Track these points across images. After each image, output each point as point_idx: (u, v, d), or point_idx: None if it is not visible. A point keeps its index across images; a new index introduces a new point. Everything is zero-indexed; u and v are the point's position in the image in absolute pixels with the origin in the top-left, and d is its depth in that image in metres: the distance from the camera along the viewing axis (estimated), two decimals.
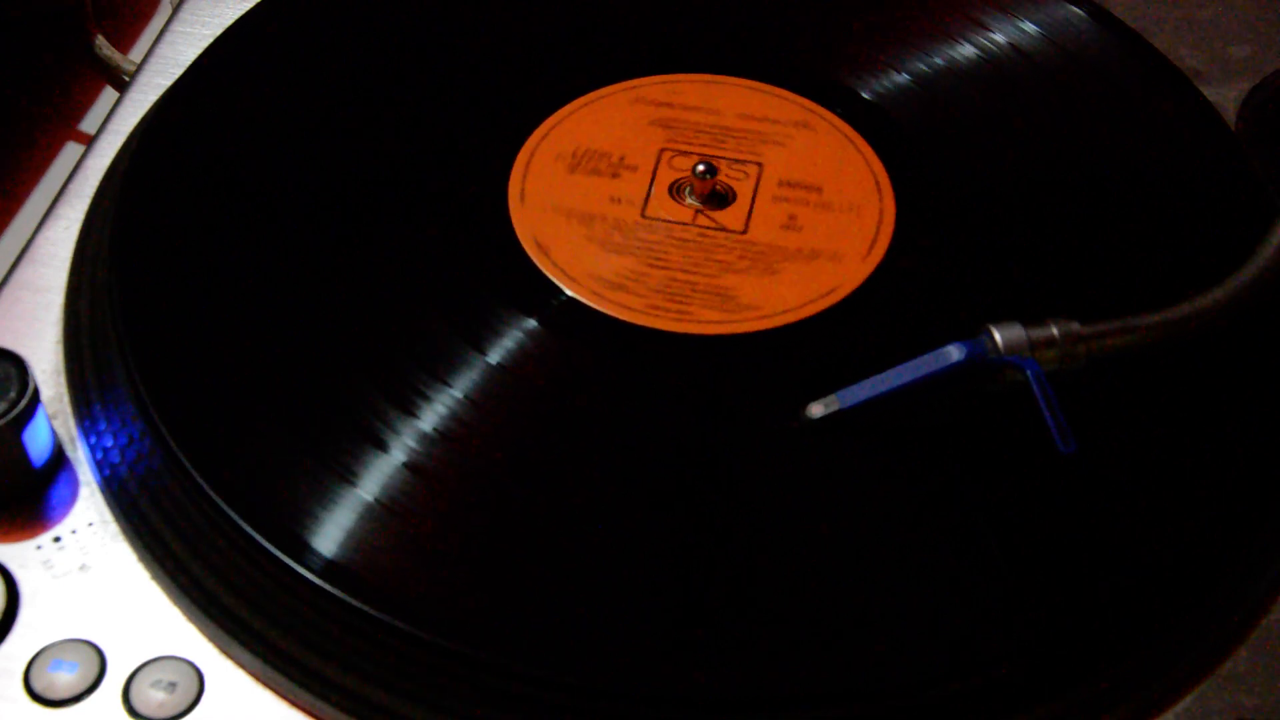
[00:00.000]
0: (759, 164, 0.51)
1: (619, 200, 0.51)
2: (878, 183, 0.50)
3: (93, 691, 0.40)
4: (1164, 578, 0.42)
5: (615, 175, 0.51)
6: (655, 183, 0.51)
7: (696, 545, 0.42)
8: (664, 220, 0.50)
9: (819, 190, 0.50)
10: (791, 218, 0.50)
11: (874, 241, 0.49)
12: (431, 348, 0.46)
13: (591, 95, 0.54)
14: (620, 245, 0.49)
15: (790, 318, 0.47)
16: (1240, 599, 0.43)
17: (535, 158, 0.52)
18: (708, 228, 0.50)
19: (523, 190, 0.51)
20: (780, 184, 0.51)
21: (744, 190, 0.51)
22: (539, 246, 0.49)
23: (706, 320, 0.47)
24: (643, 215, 0.50)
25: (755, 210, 0.50)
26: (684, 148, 0.52)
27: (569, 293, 0.47)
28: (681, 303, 0.47)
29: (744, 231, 0.49)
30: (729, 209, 0.50)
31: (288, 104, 0.53)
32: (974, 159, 0.53)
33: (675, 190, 0.51)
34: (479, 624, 0.40)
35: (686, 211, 0.50)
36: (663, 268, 0.49)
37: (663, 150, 0.52)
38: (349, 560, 0.41)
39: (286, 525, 0.41)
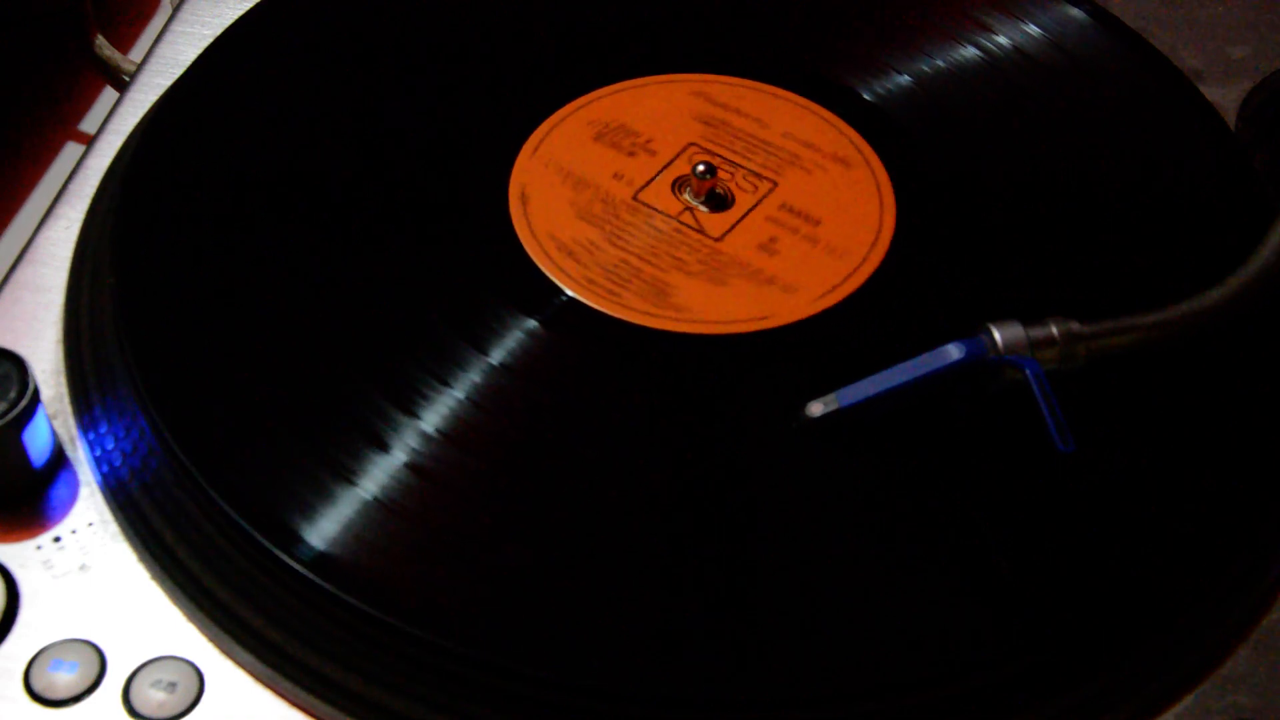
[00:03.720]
0: (774, 183, 0.51)
1: (620, 177, 0.51)
2: (879, 229, 0.50)
3: (93, 691, 0.40)
4: (1164, 577, 0.42)
5: (631, 154, 0.52)
6: (665, 172, 0.51)
7: (697, 545, 0.42)
8: (650, 207, 0.50)
9: (816, 224, 0.50)
10: (773, 240, 0.49)
11: (836, 287, 0.48)
12: (427, 343, 0.46)
13: (659, 78, 0.54)
14: (594, 217, 0.50)
15: (701, 328, 0.47)
16: (1240, 599, 0.43)
17: (568, 121, 0.53)
18: (688, 226, 0.50)
19: (538, 145, 0.52)
20: (782, 207, 0.50)
21: (744, 202, 0.51)
22: (522, 196, 0.50)
23: (632, 308, 0.47)
24: (634, 197, 0.51)
25: (742, 223, 0.50)
26: (711, 147, 0.52)
27: (529, 254, 0.48)
28: (618, 285, 0.48)
29: (718, 239, 0.49)
30: (720, 214, 0.50)
31: (288, 104, 0.53)
32: (973, 157, 0.53)
33: (678, 184, 0.51)
34: (479, 624, 0.40)
35: (677, 205, 0.50)
36: (620, 248, 0.49)
37: (690, 145, 0.52)
38: (349, 560, 0.41)
39: (286, 525, 0.41)
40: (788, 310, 0.47)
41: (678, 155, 0.52)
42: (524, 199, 0.50)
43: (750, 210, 0.50)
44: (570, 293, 0.47)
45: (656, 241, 0.49)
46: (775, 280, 0.48)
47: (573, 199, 0.50)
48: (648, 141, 0.52)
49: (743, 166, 0.51)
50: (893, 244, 0.49)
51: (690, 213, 0.50)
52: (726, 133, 0.53)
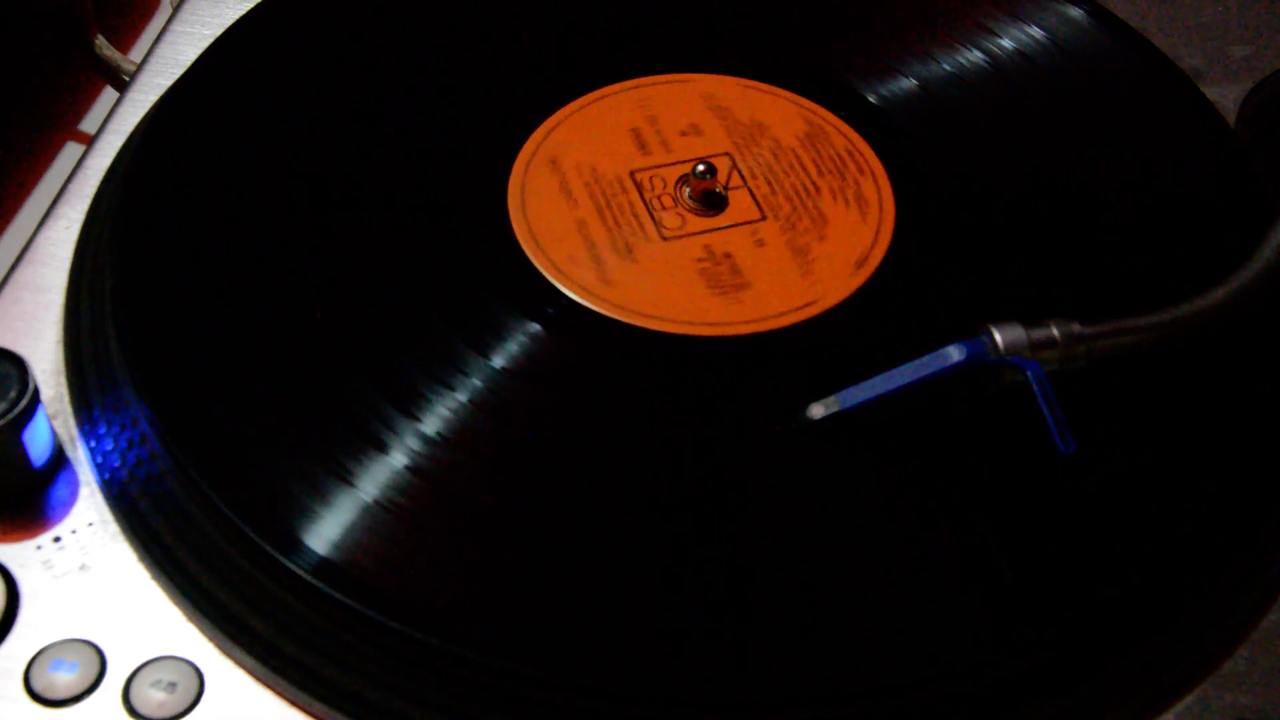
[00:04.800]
0: (779, 208, 0.51)
1: (632, 159, 0.52)
2: (879, 229, 0.50)
3: (93, 691, 0.40)
4: (1164, 578, 0.42)
5: (647, 148, 0.52)
6: (678, 166, 0.52)
7: (697, 545, 0.42)
8: (641, 191, 0.51)
9: (803, 256, 0.49)
10: (727, 255, 0.49)
11: (767, 319, 0.48)
12: (426, 344, 0.46)
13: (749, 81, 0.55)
14: (583, 190, 0.50)
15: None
16: (1240, 599, 0.43)
17: (607, 100, 0.53)
18: (665, 220, 0.50)
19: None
20: (776, 229, 0.50)
21: (739, 212, 0.50)
22: (531, 156, 0.51)
23: (567, 279, 0.48)
24: (631, 175, 0.51)
25: (728, 231, 0.50)
26: (736, 157, 0.52)
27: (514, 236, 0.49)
28: (568, 257, 0.48)
29: (678, 241, 0.50)
30: (710, 216, 0.50)
31: (288, 104, 0.53)
32: (973, 158, 0.53)
33: (682, 179, 0.51)
34: (479, 625, 0.40)
35: (668, 198, 0.50)
36: (594, 221, 0.49)
37: (725, 153, 0.52)
38: (348, 561, 0.41)
39: (286, 525, 0.41)
40: (717, 321, 0.47)
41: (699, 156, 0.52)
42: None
43: (739, 223, 0.50)
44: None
45: (626, 222, 0.50)
46: (736, 289, 0.48)
47: (568, 182, 0.51)
48: (664, 134, 0.53)
49: (752, 189, 0.51)
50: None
51: (681, 209, 0.50)
52: (765, 150, 0.52)
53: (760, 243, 0.49)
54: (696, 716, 0.40)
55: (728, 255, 0.49)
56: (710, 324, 0.47)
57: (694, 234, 0.50)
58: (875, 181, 0.52)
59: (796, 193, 0.51)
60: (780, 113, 0.54)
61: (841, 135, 0.52)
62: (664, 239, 0.50)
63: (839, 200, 0.50)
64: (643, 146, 0.52)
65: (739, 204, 0.51)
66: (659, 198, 0.51)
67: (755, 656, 0.40)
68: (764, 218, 0.50)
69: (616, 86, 0.54)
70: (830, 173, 0.51)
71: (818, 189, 0.51)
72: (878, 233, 0.50)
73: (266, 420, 0.44)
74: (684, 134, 0.53)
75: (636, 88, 0.55)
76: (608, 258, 0.49)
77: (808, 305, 0.47)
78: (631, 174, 0.51)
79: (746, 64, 0.55)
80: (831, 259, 0.49)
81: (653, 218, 0.50)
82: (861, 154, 0.51)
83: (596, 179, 0.51)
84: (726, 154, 0.52)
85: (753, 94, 0.54)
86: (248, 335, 0.46)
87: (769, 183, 0.51)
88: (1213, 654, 0.42)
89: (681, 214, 0.50)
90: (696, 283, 0.48)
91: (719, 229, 0.50)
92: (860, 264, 0.49)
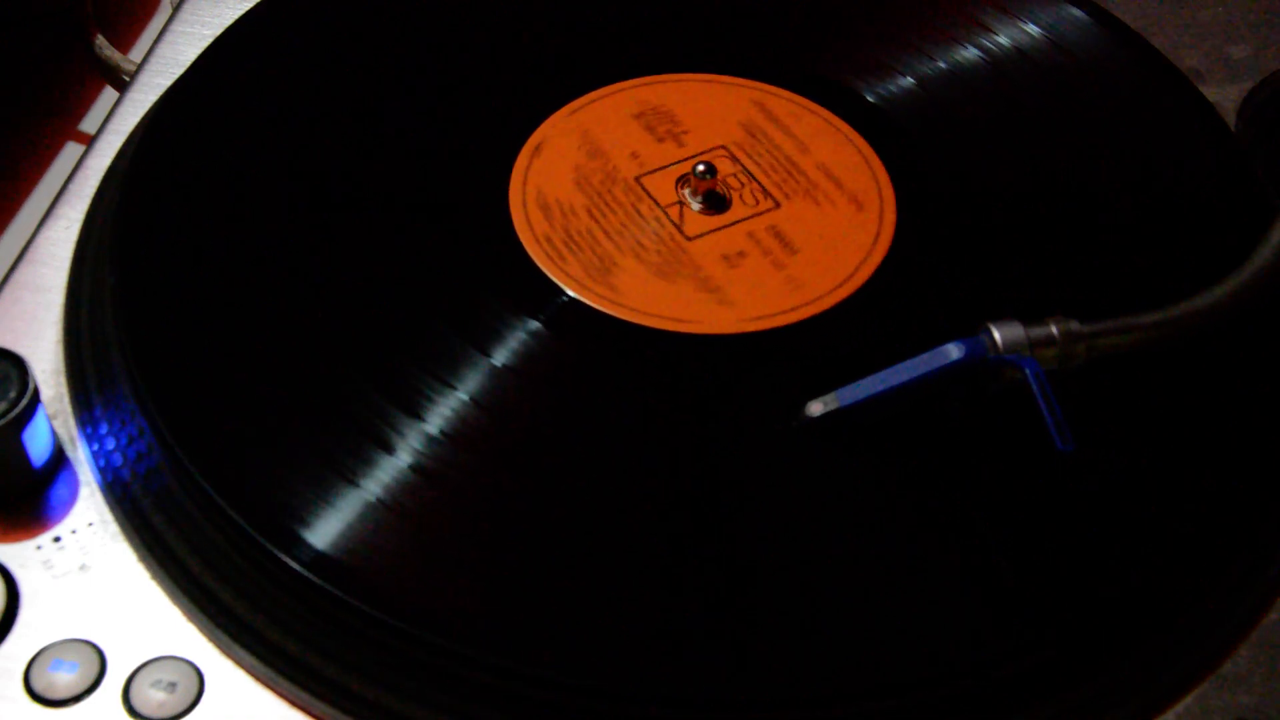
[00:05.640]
0: (777, 204, 0.51)
1: (636, 156, 0.52)
2: (879, 229, 0.50)
3: (93, 691, 0.40)
4: (1164, 577, 0.42)
5: (661, 140, 0.52)
6: (681, 164, 0.52)
7: (697, 545, 0.42)
8: (644, 190, 0.51)
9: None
10: (740, 255, 0.49)
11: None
12: (426, 343, 0.46)
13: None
14: (589, 187, 0.50)
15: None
16: (1240, 599, 0.43)
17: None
18: (668, 218, 0.50)
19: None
20: (769, 228, 0.50)
21: (738, 212, 0.50)
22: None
23: (567, 274, 0.48)
24: (636, 179, 0.51)
25: (722, 231, 0.50)
26: (738, 154, 0.52)
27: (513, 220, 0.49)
28: (567, 250, 0.48)
29: (689, 239, 0.49)
30: (707, 216, 0.50)
31: (288, 104, 0.53)
32: (973, 157, 0.53)
33: (684, 177, 0.51)
34: (479, 624, 0.40)
35: (670, 195, 0.50)
36: (594, 219, 0.49)
37: (721, 146, 0.52)
38: (349, 560, 0.41)
39: (286, 525, 0.41)
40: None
41: (704, 152, 0.52)
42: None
43: (736, 222, 0.50)
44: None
45: (629, 222, 0.50)
46: (716, 291, 0.48)
47: (577, 163, 0.51)
48: (683, 132, 0.53)
49: (759, 182, 0.51)
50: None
51: (679, 205, 0.50)
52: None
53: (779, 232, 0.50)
54: (696, 716, 0.40)
55: (773, 229, 0.49)
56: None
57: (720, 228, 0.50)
58: (876, 181, 0.52)
59: (797, 178, 0.51)
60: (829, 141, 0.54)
61: (871, 177, 0.52)
62: (679, 243, 0.50)
63: (828, 236, 0.50)
64: (658, 140, 0.53)
65: (749, 197, 0.51)
66: (670, 196, 0.51)
67: (755, 656, 0.40)
68: (778, 206, 0.50)
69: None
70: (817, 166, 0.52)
71: (811, 184, 0.51)
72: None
73: (267, 419, 0.44)
74: (686, 132, 0.53)
75: (769, 93, 0.55)
76: (610, 252, 0.49)
77: (655, 315, 0.47)
78: (638, 178, 0.51)
79: (746, 64, 0.55)
80: (841, 246, 0.49)
81: (667, 215, 0.50)
82: (882, 198, 0.51)
83: (606, 175, 0.51)
84: (723, 146, 0.52)
85: (846, 147, 0.54)
86: (248, 334, 0.46)
87: (771, 173, 0.51)
88: (1213, 654, 0.42)
89: (690, 214, 0.51)
90: (757, 262, 0.49)
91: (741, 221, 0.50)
92: (860, 263, 0.49)
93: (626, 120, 0.53)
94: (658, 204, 0.50)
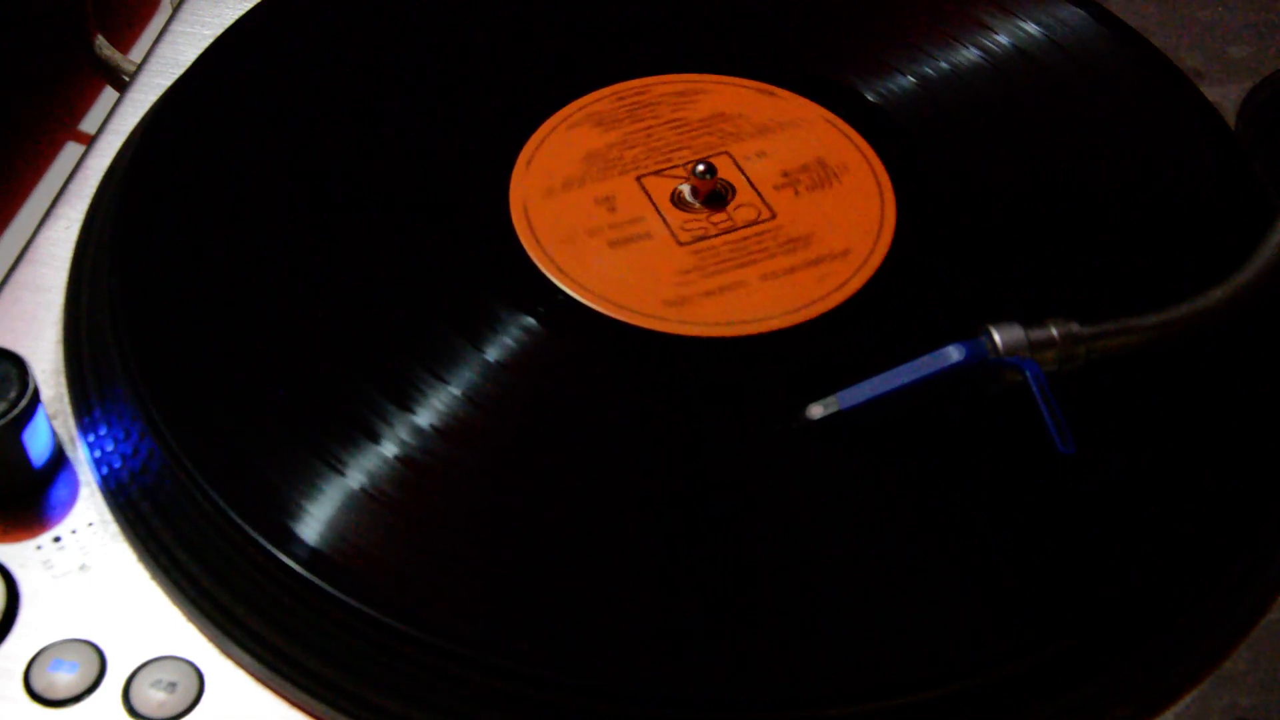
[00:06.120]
0: (777, 204, 0.51)
1: (635, 157, 0.52)
2: (879, 229, 0.50)
3: (93, 691, 0.40)
4: (1164, 577, 0.42)
5: (661, 140, 0.52)
6: (680, 165, 0.52)
7: (697, 545, 0.42)
8: (644, 190, 0.51)
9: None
10: (740, 256, 0.49)
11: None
12: (426, 342, 0.46)
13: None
14: (588, 187, 0.51)
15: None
16: (1240, 599, 0.43)
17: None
18: (667, 219, 0.50)
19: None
20: (768, 229, 0.50)
21: (737, 213, 0.50)
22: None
23: (544, 259, 0.48)
24: (636, 180, 0.51)
25: (722, 232, 0.50)
26: (738, 155, 0.52)
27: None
28: (567, 250, 0.48)
29: (688, 240, 0.49)
30: (706, 216, 0.50)
31: (288, 104, 0.53)
32: (973, 158, 0.53)
33: (684, 178, 0.51)
34: (478, 624, 0.40)
35: (669, 195, 0.51)
36: (593, 219, 0.50)
37: (724, 151, 0.52)
38: (349, 559, 0.41)
39: (286, 525, 0.41)
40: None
41: (703, 154, 0.52)
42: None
43: (738, 227, 0.50)
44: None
45: (628, 223, 0.50)
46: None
47: (578, 166, 0.52)
48: (683, 134, 0.53)
49: (758, 181, 0.51)
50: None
51: (676, 199, 0.50)
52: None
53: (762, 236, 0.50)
54: (696, 716, 0.40)
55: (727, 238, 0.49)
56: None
57: (707, 235, 0.50)
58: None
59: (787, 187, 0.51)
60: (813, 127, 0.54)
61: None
62: (680, 244, 0.50)
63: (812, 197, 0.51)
64: (658, 140, 0.53)
65: (743, 200, 0.51)
66: (669, 197, 0.51)
67: (755, 656, 0.40)
68: (773, 217, 0.50)
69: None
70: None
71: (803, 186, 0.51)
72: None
73: (267, 420, 0.44)
74: (687, 133, 0.53)
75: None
76: (599, 245, 0.49)
77: (597, 298, 0.48)
78: (639, 178, 0.51)
79: (745, 64, 0.55)
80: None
81: (665, 216, 0.50)
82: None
83: (605, 175, 0.51)
84: (726, 152, 0.52)
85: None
86: (248, 335, 0.46)
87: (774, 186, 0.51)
88: (1213, 654, 0.42)
89: (691, 214, 0.51)
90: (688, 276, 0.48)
91: (726, 227, 0.50)
92: (860, 264, 0.49)
93: (626, 120, 0.53)
94: (655, 205, 0.50)
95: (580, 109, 0.54)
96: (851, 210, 0.50)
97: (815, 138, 0.53)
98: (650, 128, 0.53)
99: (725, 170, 0.51)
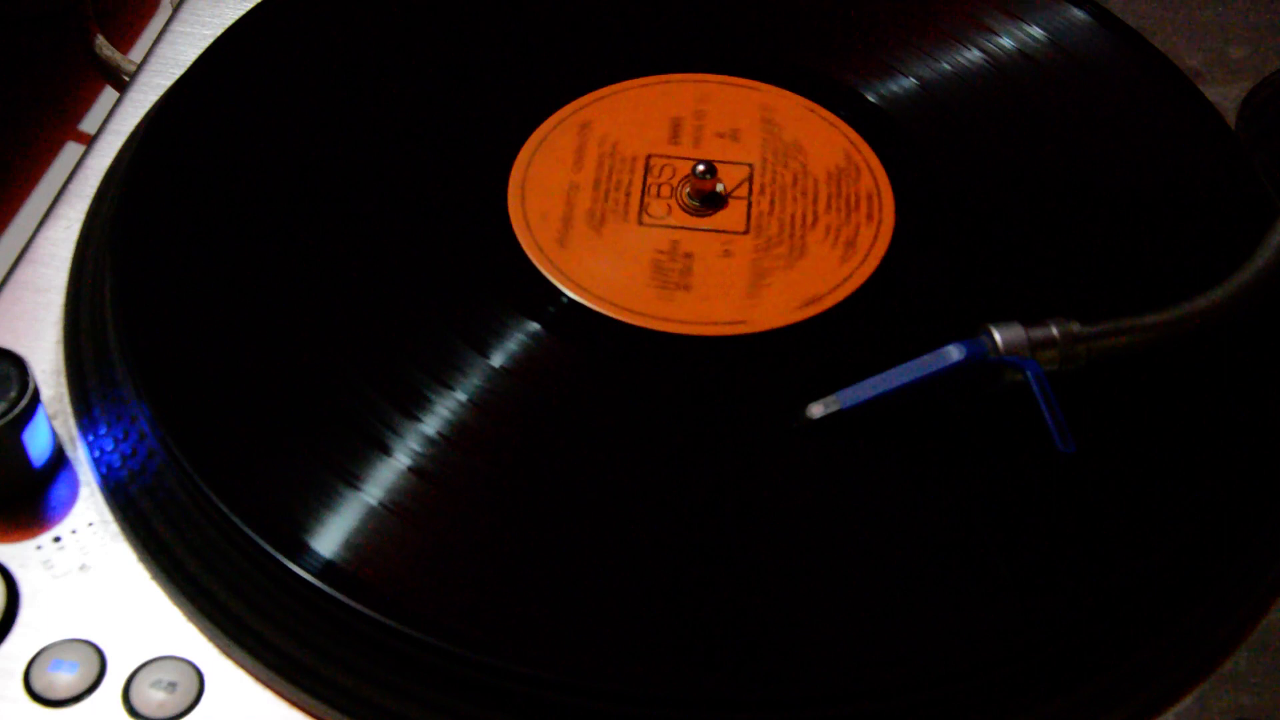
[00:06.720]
0: (777, 204, 0.51)
1: (634, 157, 0.52)
2: (879, 229, 0.50)
3: (93, 691, 0.40)
4: (1164, 578, 0.42)
5: (660, 141, 0.53)
6: (680, 166, 0.52)
7: (697, 545, 0.42)
8: (648, 174, 0.51)
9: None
10: (740, 257, 0.49)
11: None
12: (427, 345, 0.46)
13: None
14: (588, 187, 0.51)
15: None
16: (1240, 599, 0.43)
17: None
18: (666, 219, 0.50)
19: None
20: (768, 229, 0.50)
21: (727, 220, 0.50)
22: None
23: (533, 243, 0.49)
24: (635, 179, 0.51)
25: (704, 235, 0.50)
26: (737, 156, 0.52)
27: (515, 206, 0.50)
28: (566, 251, 0.48)
29: (686, 240, 0.49)
30: (706, 217, 0.50)
31: (288, 104, 0.53)
32: (973, 158, 0.53)
33: (683, 179, 0.51)
34: (479, 624, 0.40)
35: (668, 188, 0.51)
36: (586, 187, 0.50)
37: (724, 153, 0.52)
38: (348, 560, 0.41)
39: (286, 526, 0.41)
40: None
41: (704, 156, 0.52)
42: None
43: (737, 231, 0.50)
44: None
45: (616, 201, 0.50)
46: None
47: (578, 167, 0.52)
48: (684, 134, 0.53)
49: (757, 182, 0.51)
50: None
51: (674, 196, 0.50)
52: (788, 165, 0.52)
53: (727, 254, 0.49)
54: (696, 716, 0.40)
55: (688, 255, 0.49)
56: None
57: (670, 226, 0.50)
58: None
59: (793, 220, 0.51)
60: (825, 141, 0.53)
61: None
62: (640, 223, 0.50)
63: (828, 238, 0.50)
64: (675, 136, 0.53)
65: (732, 213, 0.50)
66: (660, 185, 0.51)
67: (755, 656, 0.40)
68: (746, 232, 0.50)
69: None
70: (837, 210, 0.51)
71: (815, 222, 0.51)
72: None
73: (266, 420, 0.44)
74: (720, 135, 0.53)
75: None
76: (577, 223, 0.49)
77: (734, 323, 0.47)
78: (648, 157, 0.52)
79: (743, 63, 0.55)
80: (784, 290, 0.48)
81: (641, 200, 0.50)
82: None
83: (613, 152, 0.52)
84: (749, 165, 0.52)
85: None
86: (248, 335, 0.46)
87: (774, 203, 0.51)
88: (1213, 654, 0.42)
89: (671, 205, 0.50)
90: (644, 271, 0.48)
91: (697, 230, 0.50)
92: (809, 303, 0.48)
93: (625, 121, 0.53)
94: (655, 191, 0.50)
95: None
96: (834, 251, 0.50)
97: (844, 175, 0.52)
98: (649, 128, 0.53)
99: (738, 178, 0.51)
